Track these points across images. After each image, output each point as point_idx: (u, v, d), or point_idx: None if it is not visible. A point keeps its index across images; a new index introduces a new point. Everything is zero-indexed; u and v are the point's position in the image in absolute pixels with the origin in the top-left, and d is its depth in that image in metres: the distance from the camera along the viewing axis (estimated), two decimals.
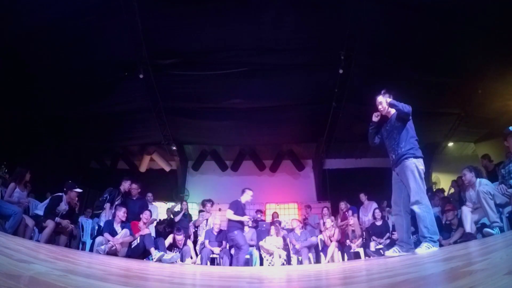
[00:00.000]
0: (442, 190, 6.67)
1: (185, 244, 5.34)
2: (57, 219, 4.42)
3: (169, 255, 4.59)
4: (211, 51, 6.14)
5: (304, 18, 5.57)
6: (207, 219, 6.20)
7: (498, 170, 4.11)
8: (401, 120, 3.16)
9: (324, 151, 8.88)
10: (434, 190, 7.54)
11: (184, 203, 7.13)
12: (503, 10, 4.66)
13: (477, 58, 5.76)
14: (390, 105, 3.22)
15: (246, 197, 5.15)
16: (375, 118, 3.38)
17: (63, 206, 4.61)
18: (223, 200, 7.76)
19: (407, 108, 3.06)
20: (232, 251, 5.40)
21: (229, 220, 5.04)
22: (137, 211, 5.10)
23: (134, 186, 5.42)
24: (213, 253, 5.42)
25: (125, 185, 5.36)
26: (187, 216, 6.72)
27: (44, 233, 4.21)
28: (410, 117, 3.13)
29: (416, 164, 2.96)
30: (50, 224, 4.27)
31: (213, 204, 6.57)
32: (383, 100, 3.28)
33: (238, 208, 5.03)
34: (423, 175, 2.95)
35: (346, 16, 5.45)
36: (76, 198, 5.07)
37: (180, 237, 5.16)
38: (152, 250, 4.50)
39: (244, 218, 5.05)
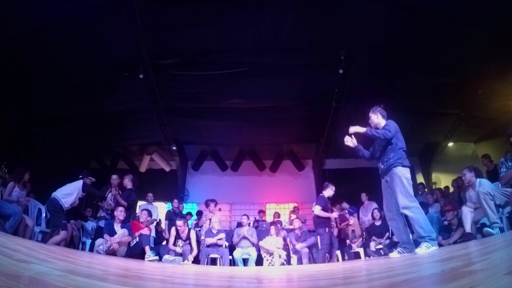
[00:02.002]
0: (441, 191, 6.67)
1: (188, 237, 5.17)
2: (75, 231, 4.57)
3: (171, 257, 4.57)
4: (211, 51, 6.12)
5: (304, 18, 5.55)
6: (210, 219, 6.16)
7: (499, 166, 4.13)
8: (386, 141, 3.29)
9: (324, 151, 8.86)
10: (433, 189, 7.55)
11: (175, 201, 7.12)
12: (503, 11, 4.66)
13: (477, 58, 5.74)
14: (368, 136, 3.32)
15: (329, 192, 5.02)
16: (352, 144, 3.56)
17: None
18: (223, 200, 7.77)
19: (388, 135, 3.19)
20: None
21: (317, 217, 4.87)
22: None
23: (114, 177, 5.37)
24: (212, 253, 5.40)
25: (113, 181, 5.32)
26: (178, 214, 6.68)
27: (54, 239, 4.22)
28: (398, 131, 3.29)
29: (403, 172, 3.13)
30: (62, 234, 4.28)
31: (216, 204, 6.53)
32: (373, 117, 3.47)
33: (326, 204, 4.88)
34: (410, 182, 3.14)
35: (346, 16, 5.44)
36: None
37: (180, 223, 5.00)
38: (147, 249, 4.46)
39: (333, 215, 4.90)
